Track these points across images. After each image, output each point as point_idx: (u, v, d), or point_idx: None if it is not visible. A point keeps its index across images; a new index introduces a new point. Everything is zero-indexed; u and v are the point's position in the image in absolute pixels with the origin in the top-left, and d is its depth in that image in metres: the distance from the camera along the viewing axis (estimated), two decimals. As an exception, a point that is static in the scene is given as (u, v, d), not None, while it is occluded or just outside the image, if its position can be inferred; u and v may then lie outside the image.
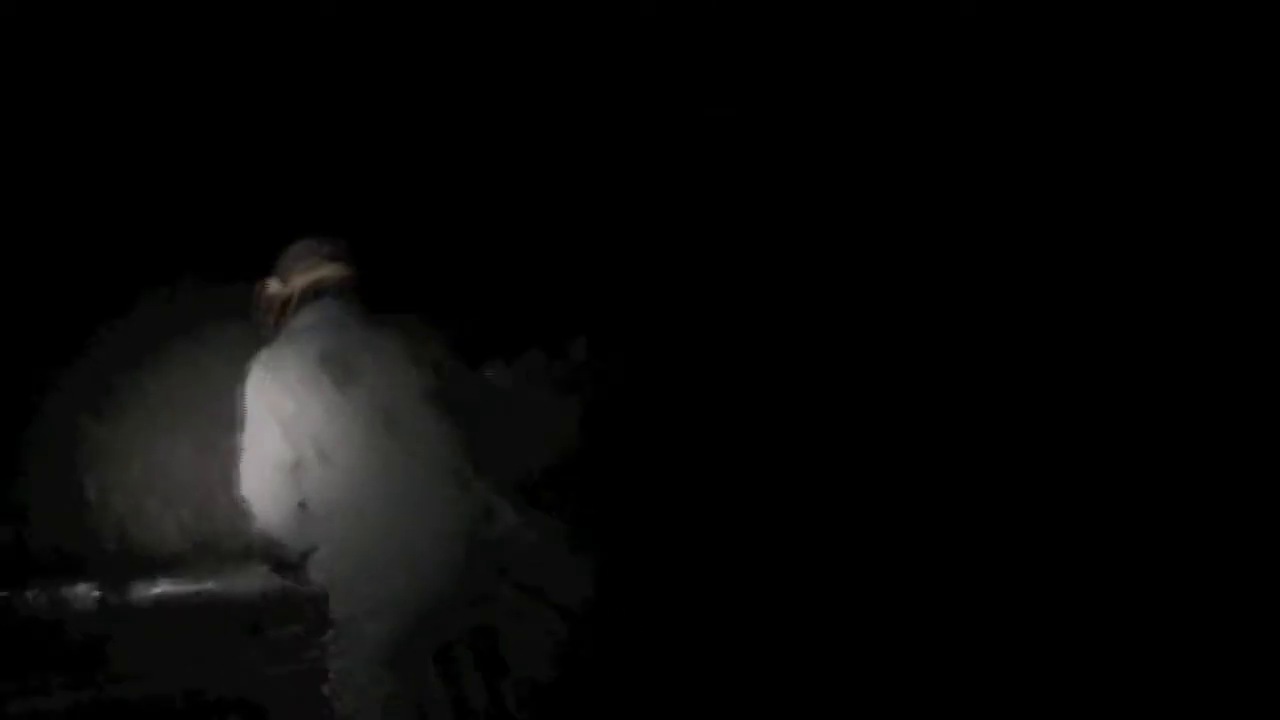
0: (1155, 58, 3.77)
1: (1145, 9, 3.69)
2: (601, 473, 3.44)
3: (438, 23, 3.24)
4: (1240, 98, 3.78)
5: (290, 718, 2.93)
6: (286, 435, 2.39)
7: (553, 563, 3.31)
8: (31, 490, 2.95)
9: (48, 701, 2.84)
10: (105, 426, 3.01)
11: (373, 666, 2.38)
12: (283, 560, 2.84)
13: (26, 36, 3.01)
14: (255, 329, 2.65)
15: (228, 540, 3.05)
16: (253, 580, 2.95)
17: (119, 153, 3.08)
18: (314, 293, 2.54)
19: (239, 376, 3.08)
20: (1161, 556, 3.48)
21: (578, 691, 3.19)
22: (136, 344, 3.06)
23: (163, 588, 2.92)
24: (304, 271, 2.55)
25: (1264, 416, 3.61)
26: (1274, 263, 3.72)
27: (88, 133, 3.07)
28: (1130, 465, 3.63)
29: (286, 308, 2.57)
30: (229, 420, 3.09)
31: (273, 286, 2.60)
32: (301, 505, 2.44)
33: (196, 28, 3.12)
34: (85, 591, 2.87)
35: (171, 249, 3.10)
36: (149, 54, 3.09)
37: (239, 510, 3.06)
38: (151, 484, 3.04)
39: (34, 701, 2.83)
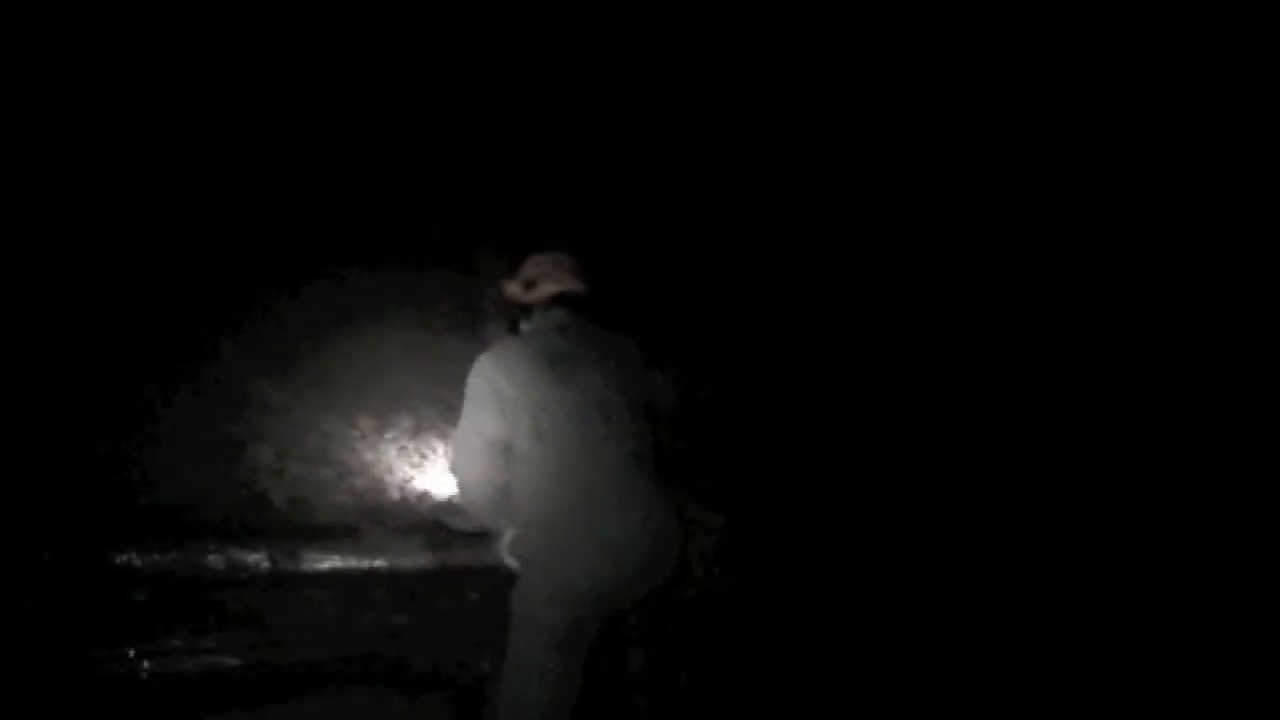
0: (1155, 58, 3.70)
1: (1145, 9, 3.62)
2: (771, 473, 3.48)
3: (438, 23, 3.26)
4: (1240, 98, 3.69)
5: (451, 691, 2.99)
6: (504, 418, 2.46)
7: (729, 564, 3.37)
8: (211, 456, 3.02)
9: (219, 660, 2.93)
10: (286, 397, 3.07)
11: (549, 649, 2.42)
12: (463, 535, 2.93)
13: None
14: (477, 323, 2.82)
15: (397, 513, 3.10)
16: (420, 555, 3.00)
17: (323, 130, 3.16)
18: (553, 302, 2.68)
19: (415, 356, 3.21)
20: (1162, 556, 3.45)
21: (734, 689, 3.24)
22: (320, 319, 3.13)
23: (331, 558, 2.97)
24: (551, 283, 2.69)
25: (1264, 417, 3.55)
26: (1274, 263, 3.66)
27: (282, 109, 3.15)
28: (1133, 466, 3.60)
29: (526, 310, 2.72)
30: (404, 398, 3.19)
31: (514, 290, 2.75)
32: (507, 484, 2.52)
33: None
34: (258, 557, 2.94)
35: (364, 230, 3.18)
36: (345, 38, 3.16)
37: (410, 485, 3.15)
38: (327, 455, 3.09)
39: (206, 660, 2.92)
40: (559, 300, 2.68)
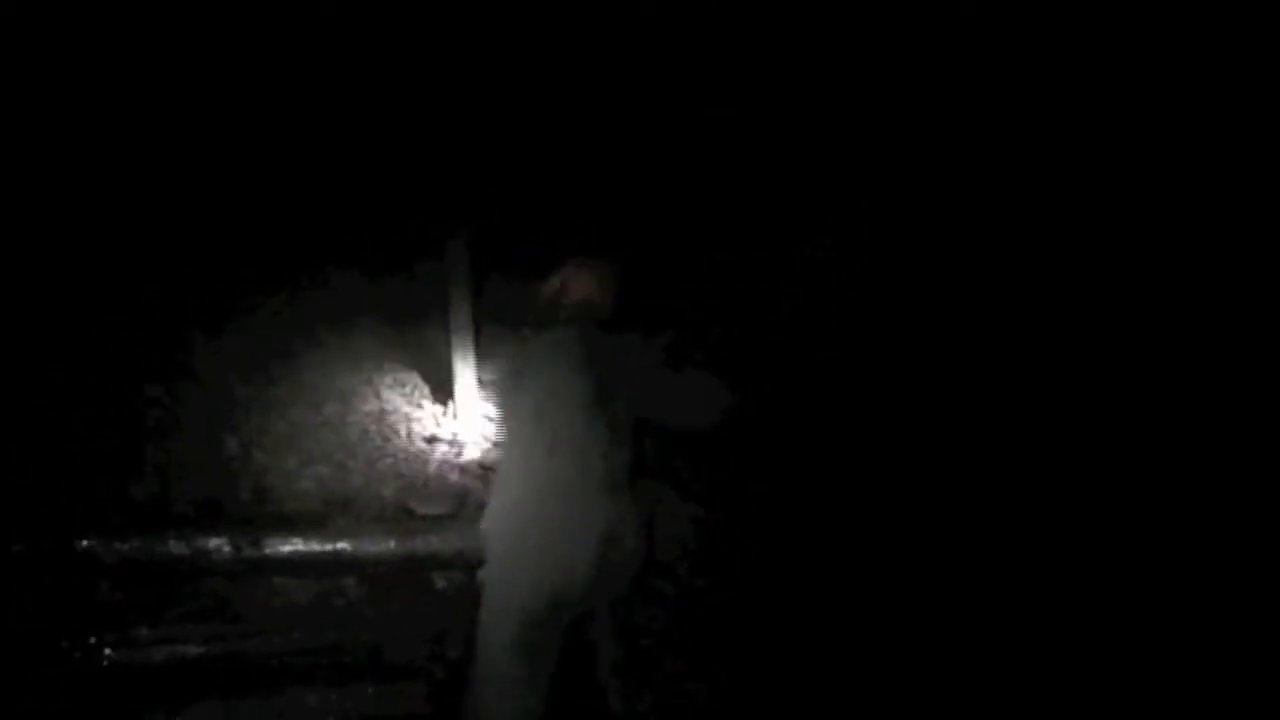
0: (1155, 58, 3.70)
1: (1145, 9, 3.62)
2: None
3: (439, 23, 3.24)
4: (1240, 98, 3.69)
5: (421, 679, 2.99)
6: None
7: (709, 559, 3.39)
8: (176, 443, 3.00)
9: (185, 650, 2.91)
10: (250, 385, 3.05)
11: (518, 638, 2.47)
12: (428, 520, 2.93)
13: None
14: None
15: (363, 500, 3.08)
16: (385, 541, 2.98)
17: (286, 144, 3.15)
18: (569, 317, 2.72)
19: (381, 343, 3.20)
20: (1163, 557, 3.43)
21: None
22: (287, 308, 3.12)
23: (296, 545, 2.95)
24: (571, 301, 2.73)
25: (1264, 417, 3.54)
26: (1274, 263, 3.65)
27: (257, 123, 3.14)
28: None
29: (545, 317, 2.77)
30: (369, 384, 3.18)
31: (541, 298, 2.80)
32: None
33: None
34: (223, 546, 2.91)
35: (335, 222, 3.19)
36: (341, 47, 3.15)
37: (375, 471, 3.14)
38: (292, 442, 3.07)
39: (173, 649, 2.90)
40: (576, 314, 2.70)
